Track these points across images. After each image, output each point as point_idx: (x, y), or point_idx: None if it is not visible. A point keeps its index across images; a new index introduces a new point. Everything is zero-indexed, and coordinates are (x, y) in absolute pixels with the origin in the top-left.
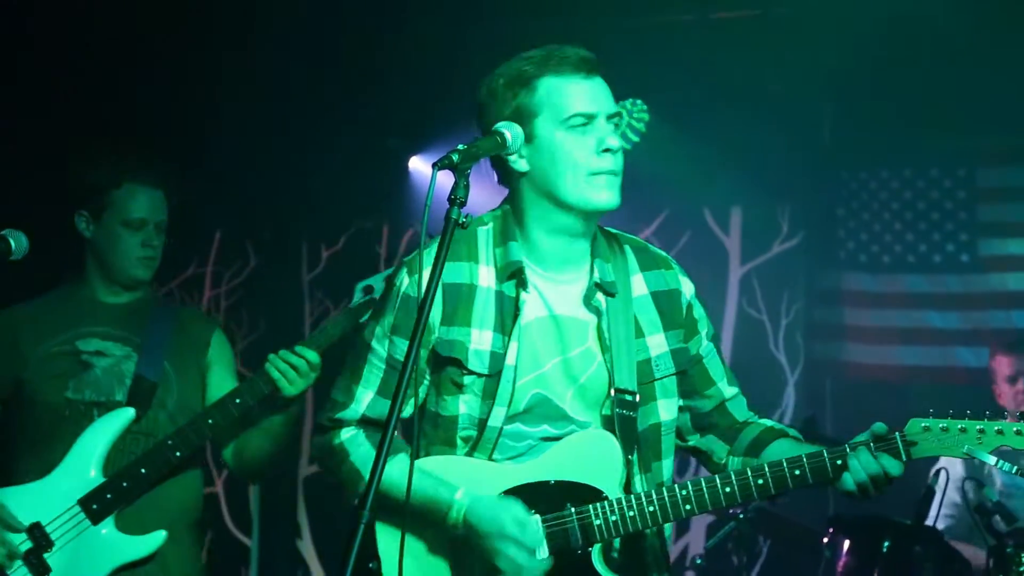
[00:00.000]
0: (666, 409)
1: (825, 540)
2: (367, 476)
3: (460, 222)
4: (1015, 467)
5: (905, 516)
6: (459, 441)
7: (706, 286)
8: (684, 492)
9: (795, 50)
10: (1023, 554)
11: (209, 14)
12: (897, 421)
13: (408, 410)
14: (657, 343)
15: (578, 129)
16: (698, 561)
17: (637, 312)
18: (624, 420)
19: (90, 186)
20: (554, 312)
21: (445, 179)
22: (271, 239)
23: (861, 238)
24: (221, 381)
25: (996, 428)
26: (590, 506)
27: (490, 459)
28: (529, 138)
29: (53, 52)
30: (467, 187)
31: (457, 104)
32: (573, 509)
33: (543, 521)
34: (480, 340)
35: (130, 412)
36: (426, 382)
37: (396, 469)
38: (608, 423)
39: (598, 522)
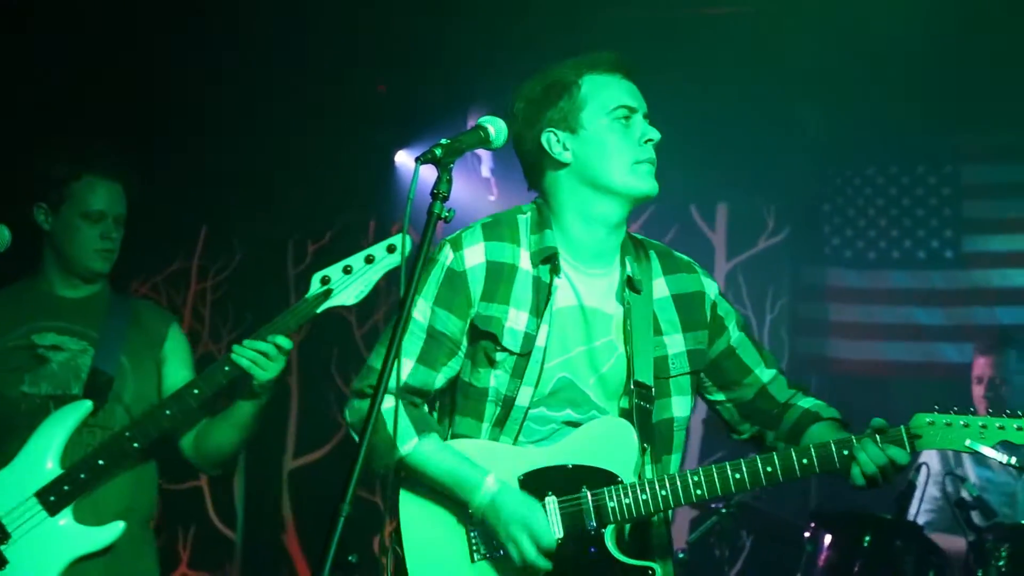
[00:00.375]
0: (679, 406)
1: (807, 534)
2: (400, 448)
3: (442, 216)
4: (1014, 458)
5: (886, 511)
6: (486, 416)
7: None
8: (696, 478)
9: (782, 47)
10: (1002, 548)
11: (193, 8)
12: (881, 416)
13: (442, 382)
14: (675, 342)
15: (622, 121)
16: (680, 555)
17: (657, 312)
18: (641, 411)
19: (50, 178)
20: (583, 303)
21: (430, 173)
22: (257, 234)
23: (846, 234)
24: (177, 374)
25: (998, 424)
26: (605, 489)
27: (515, 442)
28: (574, 130)
29: (48, 32)
30: (450, 181)
31: (443, 98)
32: (588, 492)
33: (559, 502)
34: (516, 320)
35: (87, 405)
36: (461, 354)
37: (429, 447)
38: (626, 413)
39: (612, 504)
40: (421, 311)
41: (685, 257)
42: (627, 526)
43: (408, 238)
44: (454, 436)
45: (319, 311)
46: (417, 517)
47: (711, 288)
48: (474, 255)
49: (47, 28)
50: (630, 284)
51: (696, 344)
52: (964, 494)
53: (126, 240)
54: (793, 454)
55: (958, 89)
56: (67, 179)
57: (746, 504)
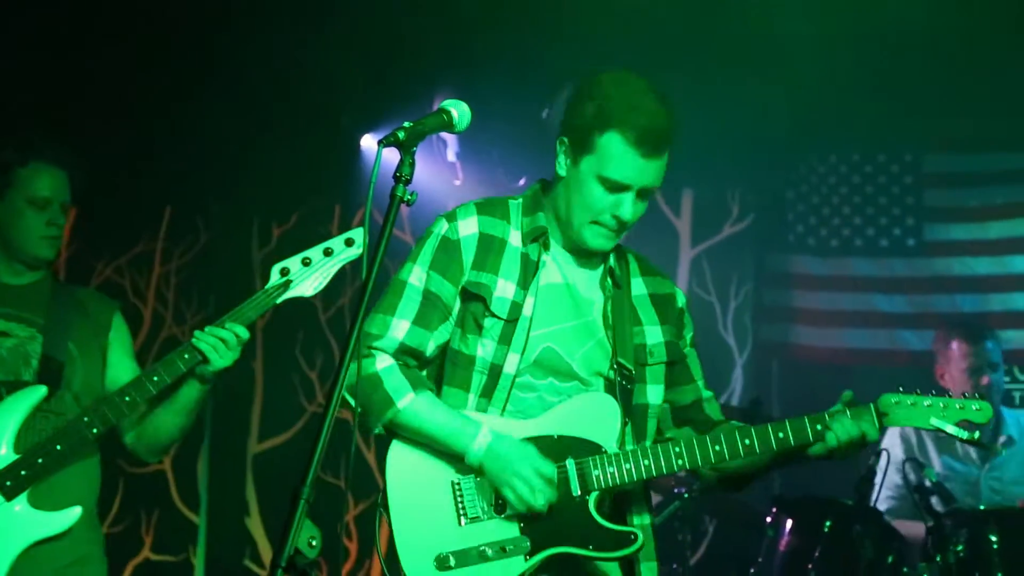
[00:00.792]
0: (653, 393)
1: (768, 519)
2: (397, 402)
3: (404, 199)
4: (974, 435)
5: (847, 496)
6: (473, 387)
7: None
8: (677, 448)
9: (746, 35)
10: (960, 533)
11: None
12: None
13: (435, 348)
14: (653, 333)
15: (606, 185)
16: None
17: (637, 306)
18: (623, 389)
19: None
20: (569, 283)
21: (394, 157)
22: (222, 216)
23: (810, 222)
24: (120, 362)
25: (958, 405)
26: (589, 458)
27: (502, 413)
28: (575, 161)
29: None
30: (412, 164)
31: (409, 82)
32: (573, 461)
33: None
34: (504, 289)
35: (42, 390)
36: (452, 320)
37: (423, 403)
38: (609, 389)
39: (596, 473)
40: (417, 276)
41: (660, 267)
42: (610, 494)
43: (367, 233)
44: None
45: (278, 301)
46: (404, 482)
47: (680, 298)
48: (468, 226)
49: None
50: (611, 275)
51: (671, 336)
52: (924, 480)
53: (91, 222)
54: (769, 428)
55: (920, 78)
56: (13, 165)
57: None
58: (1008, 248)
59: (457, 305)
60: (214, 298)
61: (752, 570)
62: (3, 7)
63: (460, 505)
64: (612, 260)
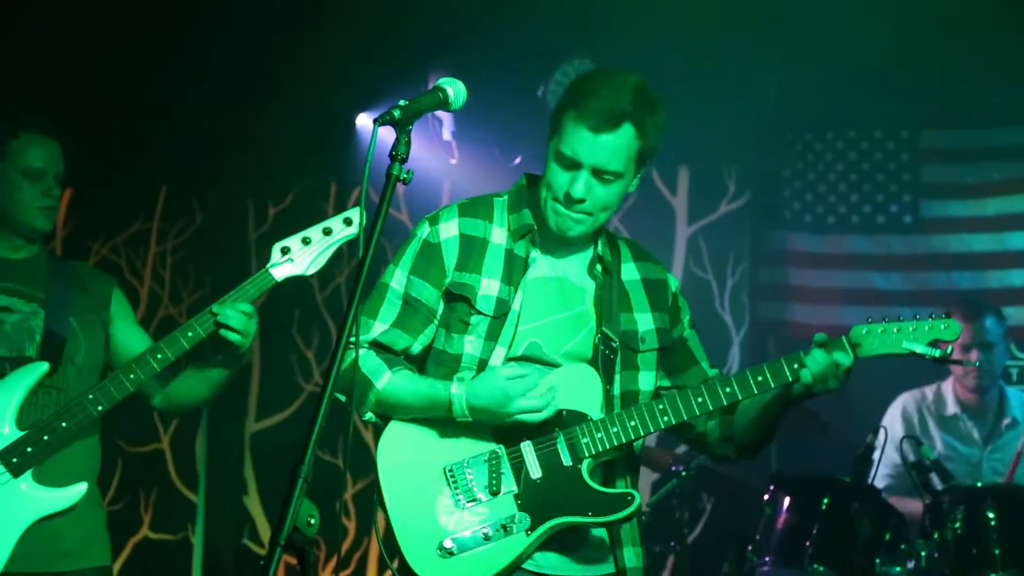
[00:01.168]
0: (644, 380)
1: (766, 497)
2: (376, 383)
3: (401, 178)
4: (944, 352)
5: (845, 474)
6: (456, 382)
7: (653, 246)
8: (661, 406)
9: (742, 11)
10: (958, 510)
11: None
12: (839, 380)
13: (418, 350)
14: (645, 320)
15: (562, 163)
16: (641, 518)
17: (629, 292)
18: (605, 357)
19: None
20: (558, 274)
21: (390, 135)
22: (218, 195)
23: (806, 199)
24: (128, 333)
25: (927, 326)
26: (576, 426)
27: None
28: (547, 144)
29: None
30: (408, 143)
31: (404, 60)
32: (560, 432)
33: (534, 444)
34: (488, 287)
35: (44, 366)
36: (436, 322)
37: (400, 378)
38: (592, 361)
39: (585, 440)
40: (397, 280)
41: (653, 253)
42: (601, 460)
43: (363, 211)
44: None
45: (279, 280)
46: (396, 477)
47: (673, 282)
48: (448, 229)
49: None
50: (601, 262)
51: (663, 323)
52: (922, 458)
53: (87, 201)
54: (748, 373)
55: (916, 54)
56: (4, 137)
57: (706, 467)
58: (1006, 224)
59: (441, 307)
60: (210, 278)
61: (750, 547)
62: None
63: (456, 490)
64: (600, 247)
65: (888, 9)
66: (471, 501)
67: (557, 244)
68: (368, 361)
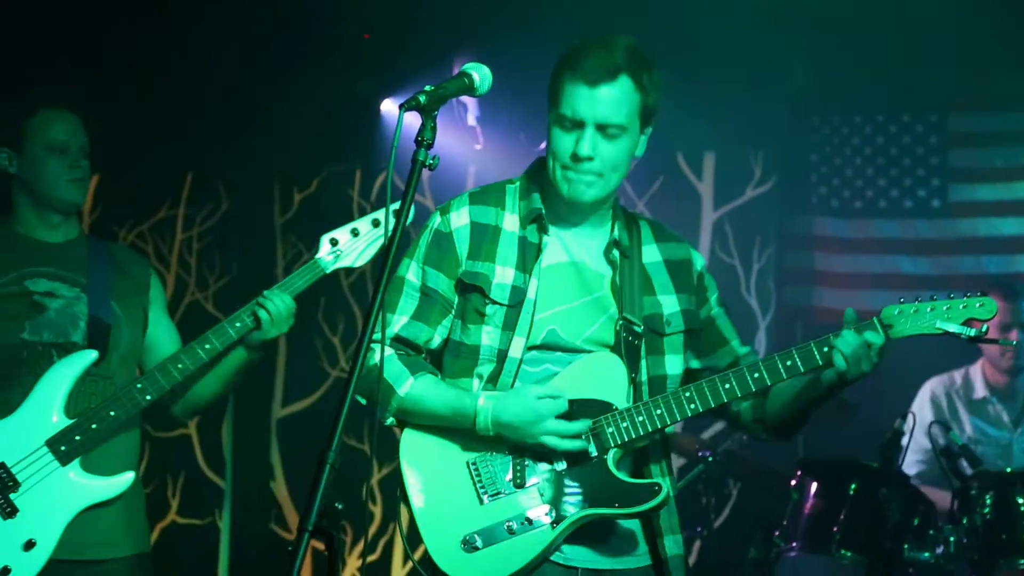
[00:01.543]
0: (672, 364)
1: (793, 482)
2: (398, 389)
3: (427, 164)
4: (979, 331)
5: (872, 460)
6: (475, 375)
7: (678, 231)
8: (688, 393)
9: None
10: (987, 496)
11: None
12: (867, 365)
13: (439, 342)
14: (669, 302)
15: (564, 126)
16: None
17: (650, 274)
18: (628, 344)
19: (5, 119)
20: (575, 259)
21: (415, 121)
22: (243, 181)
23: (833, 183)
24: (159, 320)
25: (962, 304)
26: (601, 416)
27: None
28: (547, 116)
29: None
30: (434, 129)
31: (429, 46)
32: (586, 422)
33: None
34: (503, 275)
35: (93, 354)
36: (451, 315)
37: (424, 384)
38: (615, 348)
39: (611, 430)
40: (413, 272)
41: (676, 232)
42: (629, 449)
43: (389, 198)
44: None
45: (327, 271)
46: (420, 472)
47: (699, 260)
48: (460, 218)
49: None
50: (617, 246)
51: (688, 304)
52: (951, 443)
53: (113, 188)
54: (776, 358)
55: (945, 37)
56: (24, 116)
57: (733, 452)
58: None
59: (456, 298)
60: (236, 264)
61: (776, 533)
62: None
63: (479, 484)
64: (617, 230)
65: None
66: (495, 494)
67: (570, 227)
68: (391, 366)
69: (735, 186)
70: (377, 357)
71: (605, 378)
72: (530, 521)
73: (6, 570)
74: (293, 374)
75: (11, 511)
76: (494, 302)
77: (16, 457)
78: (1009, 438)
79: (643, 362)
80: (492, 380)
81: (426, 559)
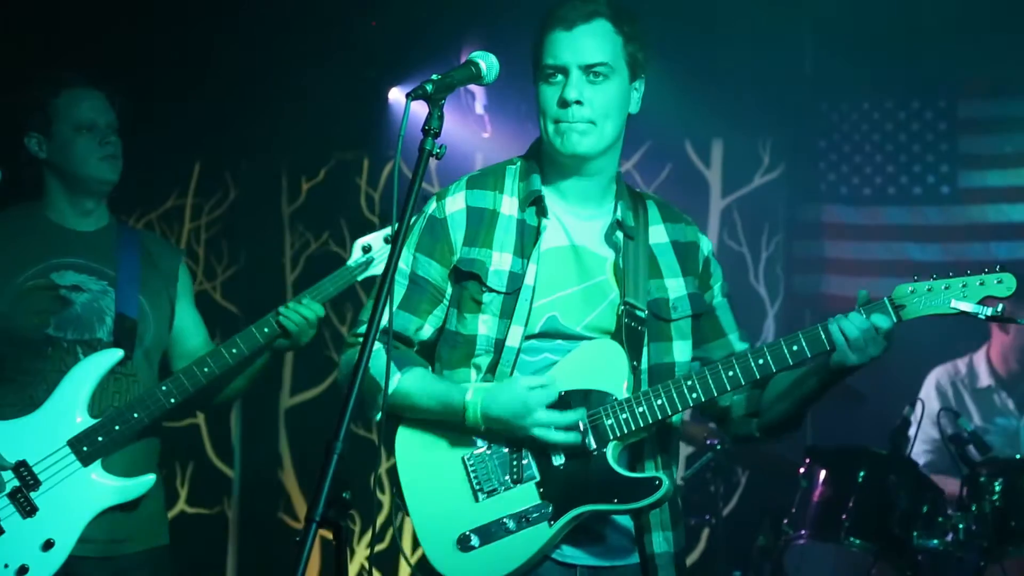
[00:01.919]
0: (680, 350)
1: (802, 470)
2: (383, 384)
3: (434, 153)
4: (996, 309)
5: (881, 447)
6: (473, 366)
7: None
8: (689, 382)
9: None
10: (996, 483)
11: None
12: (877, 353)
13: (430, 332)
14: (676, 286)
15: (550, 79)
16: (677, 498)
17: (657, 256)
18: (630, 330)
19: (30, 104)
20: (575, 243)
21: (422, 110)
22: (251, 171)
23: (842, 170)
24: (186, 313)
25: (978, 281)
26: (600, 408)
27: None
28: (533, 84)
29: None
30: (441, 117)
31: (436, 34)
32: (584, 413)
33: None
34: (500, 261)
35: (119, 354)
36: (445, 301)
37: (412, 379)
38: (616, 334)
39: (609, 422)
40: (404, 259)
41: (684, 213)
42: (629, 442)
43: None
44: None
45: (360, 279)
46: (414, 471)
47: (706, 245)
48: (455, 203)
49: None
50: (620, 227)
51: (695, 288)
52: (959, 430)
53: (122, 177)
54: (782, 342)
55: (954, 23)
56: (48, 98)
57: None
58: None
59: (449, 286)
60: (244, 253)
61: (785, 521)
62: None
63: (474, 481)
64: (620, 211)
65: None
66: (491, 492)
67: (572, 209)
68: (377, 361)
69: (743, 173)
70: (380, 351)
71: (604, 366)
72: (527, 519)
73: (24, 569)
74: (301, 363)
75: (31, 510)
76: (491, 290)
77: (38, 456)
78: (1016, 425)
79: (645, 349)
80: (490, 371)
81: (423, 561)
